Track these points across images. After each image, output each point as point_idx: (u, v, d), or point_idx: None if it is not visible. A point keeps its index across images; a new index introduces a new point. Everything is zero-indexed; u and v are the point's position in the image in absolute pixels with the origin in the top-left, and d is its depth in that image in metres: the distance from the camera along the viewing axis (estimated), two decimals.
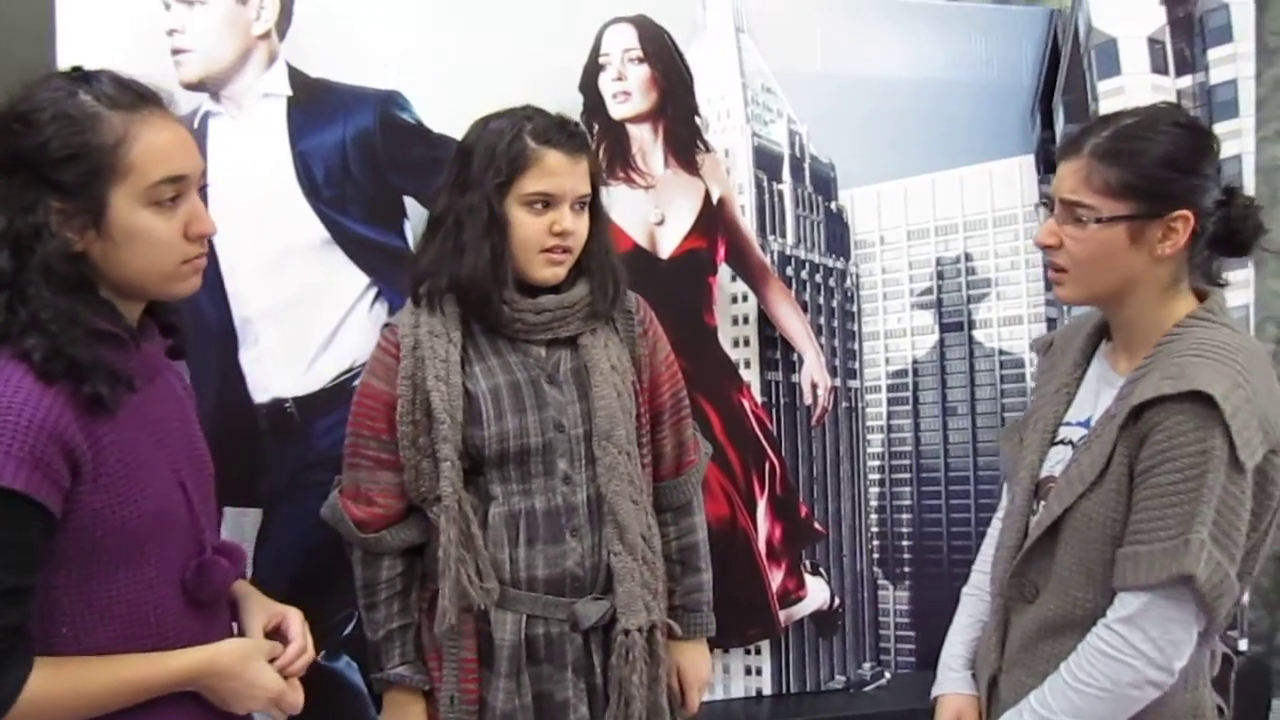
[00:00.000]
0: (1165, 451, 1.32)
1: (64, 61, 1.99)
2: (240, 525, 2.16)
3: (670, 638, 1.82)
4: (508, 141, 1.63)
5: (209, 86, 2.10)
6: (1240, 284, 2.64)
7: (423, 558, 1.73)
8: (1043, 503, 1.48)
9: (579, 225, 1.66)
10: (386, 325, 1.73)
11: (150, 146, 1.21)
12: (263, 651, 1.34)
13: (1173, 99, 2.61)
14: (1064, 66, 2.60)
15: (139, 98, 1.24)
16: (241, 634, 1.42)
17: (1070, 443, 1.49)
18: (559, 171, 1.63)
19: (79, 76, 1.23)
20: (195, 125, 2.09)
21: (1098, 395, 1.49)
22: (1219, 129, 2.63)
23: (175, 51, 2.07)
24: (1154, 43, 2.61)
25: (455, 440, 1.63)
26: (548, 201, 1.64)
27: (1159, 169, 1.37)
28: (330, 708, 2.18)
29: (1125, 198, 1.37)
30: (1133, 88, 2.59)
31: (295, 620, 1.41)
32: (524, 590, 1.66)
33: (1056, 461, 1.49)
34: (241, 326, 2.13)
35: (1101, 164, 1.39)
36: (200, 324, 2.09)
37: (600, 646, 1.71)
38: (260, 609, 1.42)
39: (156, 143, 1.22)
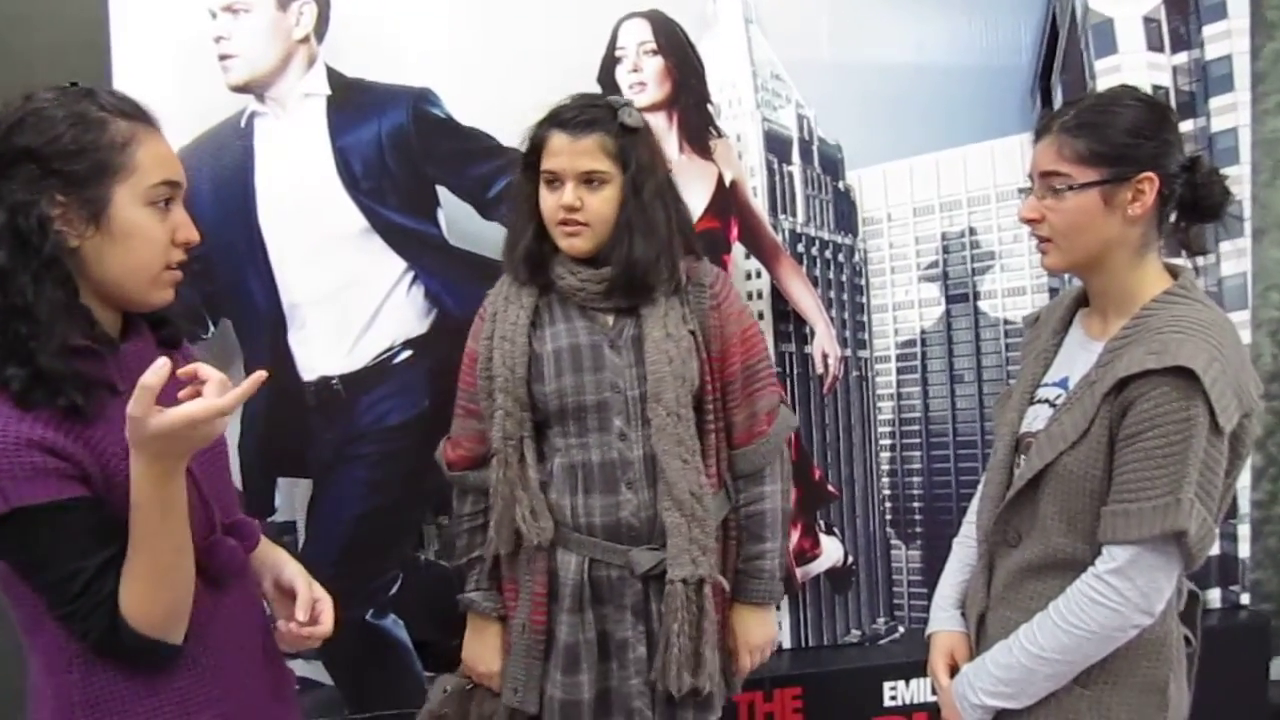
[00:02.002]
0: (1152, 419, 1.42)
1: (118, 69, 2.16)
2: (292, 495, 2.30)
3: (732, 599, 1.92)
4: (534, 127, 1.81)
5: (254, 89, 2.22)
6: (1237, 253, 2.71)
7: None
8: (1023, 457, 1.58)
9: (589, 200, 1.76)
10: (487, 294, 1.91)
11: (152, 151, 1.27)
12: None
13: (1168, 75, 2.67)
14: (1062, 46, 2.63)
15: (139, 110, 1.29)
16: (269, 607, 1.50)
17: (1048, 401, 1.59)
18: (559, 151, 1.76)
19: (80, 90, 1.27)
20: (242, 125, 2.22)
21: (1073, 357, 1.60)
22: (1214, 104, 2.68)
23: (222, 57, 2.20)
24: (1149, 21, 2.64)
25: (512, 392, 1.79)
26: (556, 179, 1.77)
27: (1123, 136, 1.49)
28: (378, 661, 2.33)
29: (1095, 165, 1.49)
30: (1129, 66, 2.62)
31: (328, 612, 1.45)
32: (584, 535, 1.81)
33: (1034, 418, 1.59)
34: (290, 311, 2.26)
35: (1071, 137, 1.50)
36: (252, 309, 2.24)
37: (658, 594, 1.81)
38: (305, 581, 1.46)
39: (157, 150, 1.28)
